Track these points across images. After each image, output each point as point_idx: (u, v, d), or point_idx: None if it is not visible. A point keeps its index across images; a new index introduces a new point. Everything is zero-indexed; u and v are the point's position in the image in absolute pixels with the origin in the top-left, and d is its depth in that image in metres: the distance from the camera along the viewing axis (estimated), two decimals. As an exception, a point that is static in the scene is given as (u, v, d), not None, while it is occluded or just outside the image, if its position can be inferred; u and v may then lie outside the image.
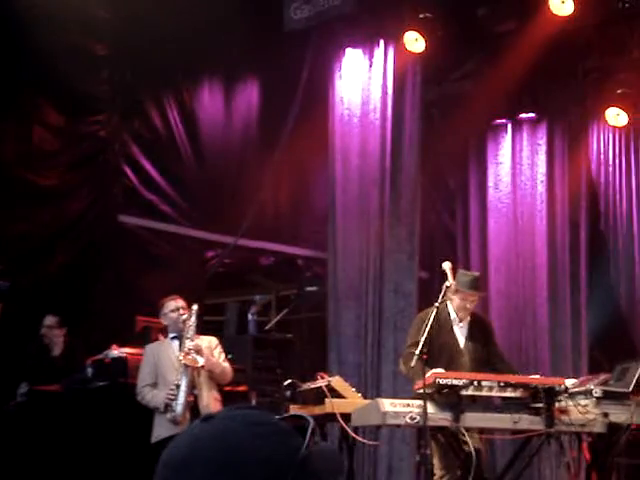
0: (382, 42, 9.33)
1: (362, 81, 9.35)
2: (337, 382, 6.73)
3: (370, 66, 9.37)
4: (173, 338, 7.03)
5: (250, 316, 8.86)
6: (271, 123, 9.64)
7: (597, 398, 6.58)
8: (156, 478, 1.68)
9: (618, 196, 10.41)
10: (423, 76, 9.45)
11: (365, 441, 6.59)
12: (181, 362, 6.74)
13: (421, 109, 9.50)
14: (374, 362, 8.89)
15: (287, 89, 9.36)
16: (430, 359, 6.35)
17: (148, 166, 9.81)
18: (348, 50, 9.40)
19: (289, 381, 6.88)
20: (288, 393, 6.81)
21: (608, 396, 6.68)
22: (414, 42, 9.10)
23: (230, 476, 1.60)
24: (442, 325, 6.78)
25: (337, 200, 9.23)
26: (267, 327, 9.04)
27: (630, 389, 6.77)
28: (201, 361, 6.79)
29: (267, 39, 9.28)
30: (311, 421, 1.70)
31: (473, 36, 9.38)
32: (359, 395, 6.84)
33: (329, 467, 1.68)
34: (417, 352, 6.22)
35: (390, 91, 9.30)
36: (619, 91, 9.34)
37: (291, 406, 6.80)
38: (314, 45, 9.15)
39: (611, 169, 10.45)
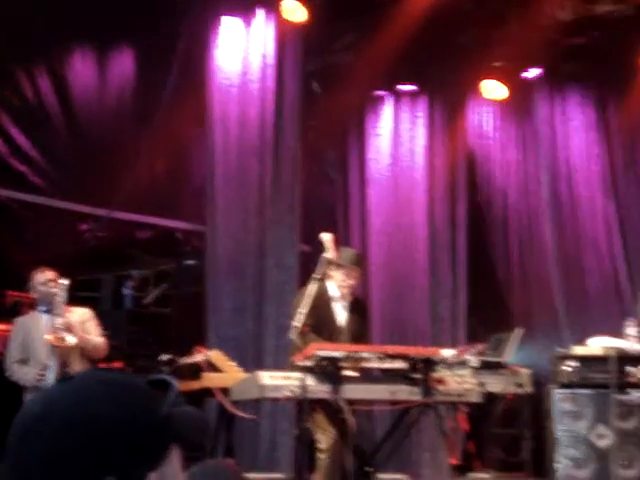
0: (262, 11, 9.19)
1: (241, 50, 9.20)
2: (216, 356, 6.63)
3: (249, 35, 9.22)
4: (44, 312, 6.80)
5: (126, 291, 8.65)
6: (147, 93, 9.39)
7: (474, 368, 6.67)
8: (9, 438, 1.59)
9: (494, 169, 10.58)
10: (304, 46, 9.36)
11: (244, 415, 6.49)
12: (48, 342, 6.52)
13: (302, 80, 9.40)
14: (255, 336, 8.80)
15: (163, 58, 9.11)
16: (312, 334, 6.32)
17: (19, 136, 9.45)
18: (226, 18, 9.22)
19: (166, 356, 6.74)
20: (165, 368, 6.66)
21: (484, 366, 6.78)
22: (294, 11, 8.99)
23: (84, 432, 1.54)
24: (323, 302, 6.76)
25: (216, 171, 9.07)
26: (145, 302, 8.85)
27: (505, 359, 6.89)
28: (71, 340, 6.57)
29: (142, 6, 9.02)
30: (173, 382, 1.65)
31: (353, 7, 9.32)
32: (239, 369, 6.75)
33: (192, 428, 1.64)
34: (297, 325, 6.18)
35: (270, 61, 9.18)
36: (496, 64, 9.44)
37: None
38: (190, 13, 8.94)
39: (488, 142, 10.61)
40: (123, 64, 9.50)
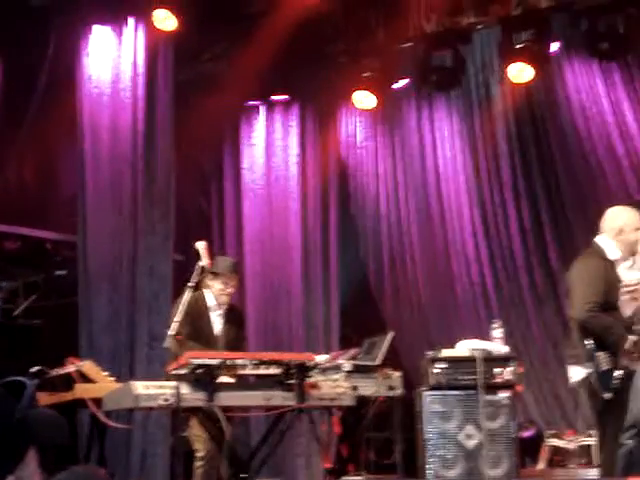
0: (132, 20, 9.14)
1: (112, 59, 9.12)
2: (88, 367, 6.55)
3: (120, 44, 9.15)
4: None
5: (-7, 303, 8.44)
6: (16, 101, 9.20)
7: (347, 372, 6.78)
8: None
9: (366, 178, 10.77)
10: (175, 55, 9.34)
11: (116, 425, 6.43)
12: None
13: (174, 89, 9.38)
14: (127, 346, 8.72)
15: (33, 66, 8.97)
16: (187, 342, 6.32)
17: None
18: (97, 27, 9.13)
19: (36, 368, 6.61)
20: (35, 380, 6.53)
21: (357, 370, 6.90)
22: (165, 20, 8.97)
23: None
24: (199, 311, 6.76)
25: (87, 180, 8.95)
26: (14, 314, 8.64)
27: (377, 362, 7.02)
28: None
29: (13, 12, 8.85)
30: (29, 384, 1.65)
31: (225, 16, 9.37)
32: (112, 379, 6.68)
33: (47, 430, 1.64)
34: (171, 333, 6.16)
35: (141, 70, 9.13)
36: (365, 74, 9.62)
37: (39, 393, 6.53)
38: (60, 21, 8.82)
39: (360, 151, 10.80)
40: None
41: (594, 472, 7.80)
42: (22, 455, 1.58)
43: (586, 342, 5.64)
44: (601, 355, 5.58)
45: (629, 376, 5.47)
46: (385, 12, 9.17)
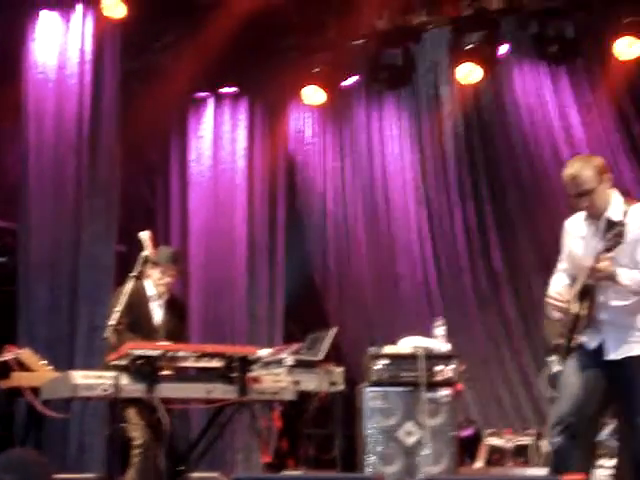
0: (80, 6, 9.01)
1: (59, 45, 8.98)
2: (26, 355, 6.45)
3: (67, 30, 9.02)
4: None
5: None
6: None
7: (289, 367, 6.76)
8: None
9: (313, 174, 10.76)
10: (124, 44, 9.23)
11: (53, 414, 6.34)
12: None
13: (120, 78, 9.26)
14: (67, 336, 8.60)
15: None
16: (128, 333, 6.25)
17: None
18: (43, 12, 8.99)
19: (-28, 355, 6.49)
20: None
21: (299, 364, 6.89)
22: (113, 8, 8.86)
23: None
24: (139, 301, 6.69)
25: (30, 168, 8.79)
26: (-48, 301, 8.50)
27: (320, 357, 7.02)
28: None
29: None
30: None
31: (175, 6, 9.29)
32: (50, 368, 6.59)
33: None
34: (112, 323, 6.09)
35: (88, 57, 9.00)
36: (316, 70, 9.61)
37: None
38: (6, 4, 8.67)
39: (308, 147, 10.78)
40: None
41: (531, 471, 7.89)
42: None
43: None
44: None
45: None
46: (337, 8, 9.16)
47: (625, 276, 4.71)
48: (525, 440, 8.56)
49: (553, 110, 9.73)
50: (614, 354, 4.79)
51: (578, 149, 9.53)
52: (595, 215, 4.89)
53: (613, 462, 5.89)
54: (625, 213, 4.81)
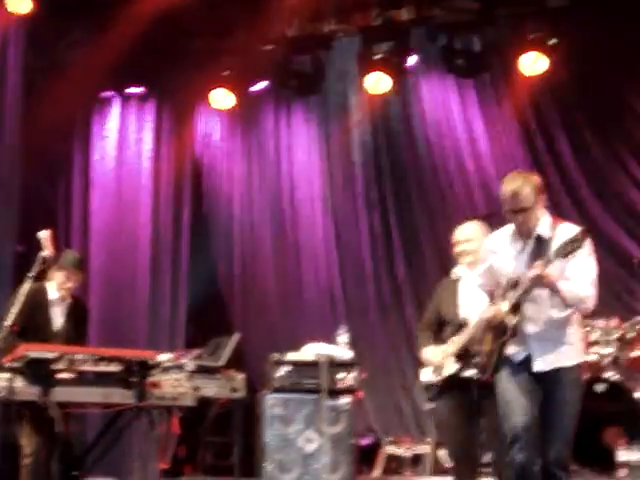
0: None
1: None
2: None
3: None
4: None
5: None
6: None
7: (189, 372, 6.67)
8: None
9: (220, 179, 10.69)
10: (28, 40, 9.03)
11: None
12: None
13: (25, 75, 9.07)
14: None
15: None
16: (24, 334, 6.11)
17: None
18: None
19: None
20: None
21: (200, 370, 6.80)
22: (19, 3, 8.65)
23: None
24: (39, 303, 6.56)
25: None
26: None
27: (221, 363, 6.95)
28: None
29: None
30: None
31: (82, 4, 9.12)
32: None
33: None
34: (7, 324, 5.94)
35: (-9, 52, 8.79)
36: (225, 73, 9.55)
37: None
38: None
39: (215, 151, 10.71)
40: None
41: (428, 480, 7.96)
42: None
43: None
44: None
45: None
46: (248, 12, 9.10)
47: (565, 286, 4.77)
48: (423, 449, 8.62)
49: (459, 122, 9.86)
50: (541, 366, 4.84)
51: (483, 162, 9.69)
52: (525, 232, 4.93)
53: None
54: (554, 230, 4.88)
